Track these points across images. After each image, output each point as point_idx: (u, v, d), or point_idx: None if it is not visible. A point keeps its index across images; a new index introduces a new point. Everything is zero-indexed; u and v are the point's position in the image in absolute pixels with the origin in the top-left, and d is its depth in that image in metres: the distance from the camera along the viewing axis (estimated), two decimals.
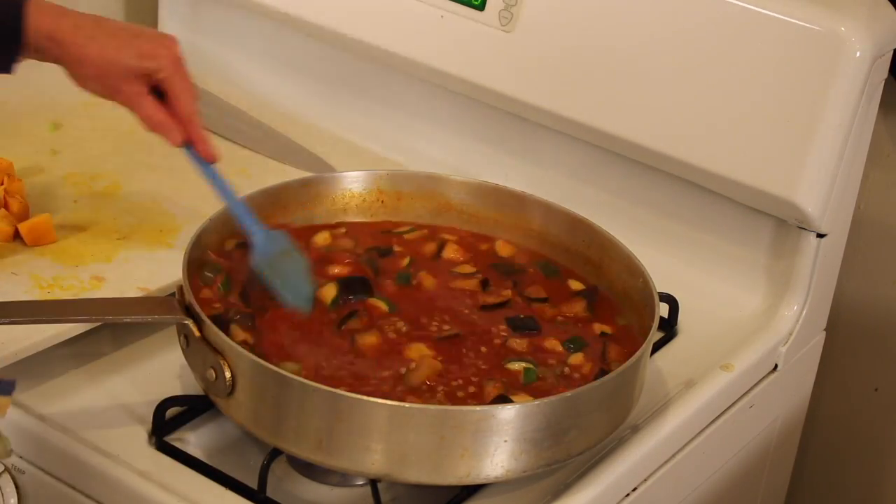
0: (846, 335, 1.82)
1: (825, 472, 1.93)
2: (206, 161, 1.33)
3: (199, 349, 1.24)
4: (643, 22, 1.53)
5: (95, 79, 1.30)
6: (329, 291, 1.35)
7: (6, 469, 1.32)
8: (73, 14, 1.30)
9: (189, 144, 1.33)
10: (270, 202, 1.44)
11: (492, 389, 1.25)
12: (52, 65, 1.80)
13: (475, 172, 1.55)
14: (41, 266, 1.42)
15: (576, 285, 1.42)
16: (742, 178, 1.49)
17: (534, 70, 1.60)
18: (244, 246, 1.37)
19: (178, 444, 1.28)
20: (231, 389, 1.22)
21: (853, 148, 1.49)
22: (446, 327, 1.33)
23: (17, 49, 1.27)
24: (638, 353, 1.27)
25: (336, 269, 1.39)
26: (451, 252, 1.45)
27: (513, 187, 1.50)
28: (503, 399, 1.23)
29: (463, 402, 1.24)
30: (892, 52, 1.50)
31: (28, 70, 1.79)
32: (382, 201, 1.50)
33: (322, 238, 1.45)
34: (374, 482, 1.23)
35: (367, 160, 1.68)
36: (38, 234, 1.45)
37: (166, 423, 1.29)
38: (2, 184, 1.50)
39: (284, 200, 1.45)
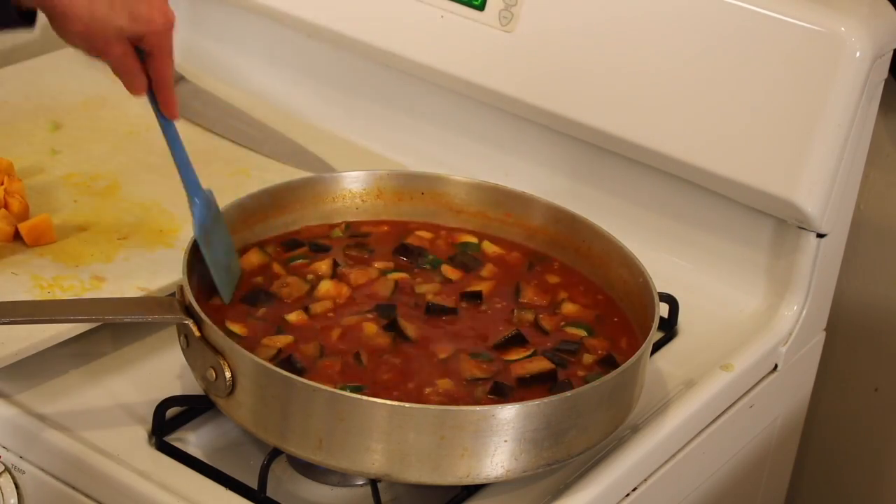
0: (846, 335, 1.82)
1: (825, 472, 1.93)
2: (165, 117, 1.31)
3: (199, 349, 1.24)
4: (643, 22, 1.53)
5: (81, 35, 1.22)
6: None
7: (6, 469, 1.32)
8: None
9: (154, 99, 1.30)
10: (270, 202, 1.44)
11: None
12: (54, 65, 1.82)
13: (475, 172, 1.55)
14: (41, 266, 1.42)
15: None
16: (742, 178, 1.49)
17: (534, 70, 1.60)
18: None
19: (178, 444, 1.28)
20: (231, 389, 1.22)
21: (853, 148, 1.49)
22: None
23: None
24: (638, 353, 1.27)
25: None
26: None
27: (513, 187, 1.50)
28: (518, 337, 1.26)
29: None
30: (892, 52, 1.50)
31: (27, 70, 1.81)
32: (383, 201, 1.50)
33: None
34: (374, 482, 1.23)
35: (367, 160, 1.68)
36: (38, 234, 1.45)
37: (166, 423, 1.29)
38: (2, 184, 1.50)
39: (284, 200, 1.45)
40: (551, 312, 1.39)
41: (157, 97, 1.30)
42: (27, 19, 1.24)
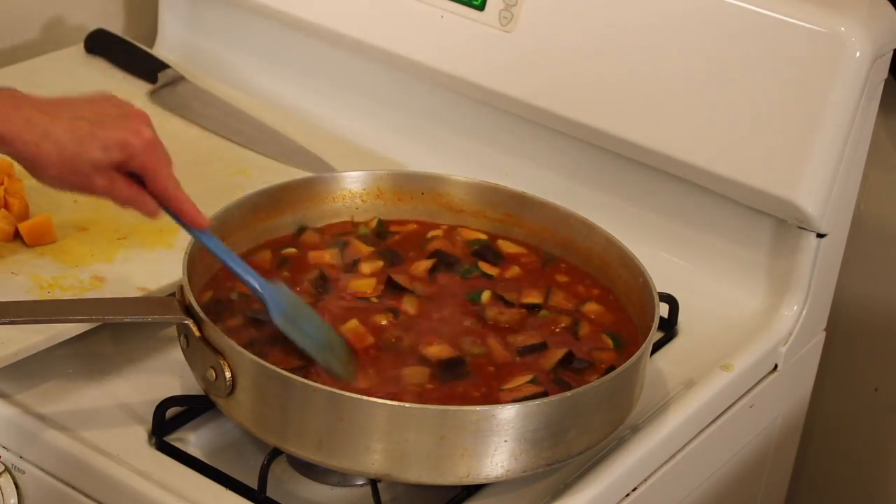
0: (846, 335, 1.82)
1: (825, 472, 1.93)
2: (193, 228, 1.26)
3: (199, 349, 1.24)
4: (643, 22, 1.53)
5: (58, 178, 1.18)
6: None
7: (6, 469, 1.32)
8: (26, 104, 1.18)
9: (175, 216, 1.25)
10: (270, 202, 1.44)
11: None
12: (54, 65, 1.82)
13: (475, 172, 1.55)
14: (41, 266, 1.42)
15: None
16: (742, 178, 1.49)
17: (534, 70, 1.60)
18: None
19: (178, 444, 1.28)
20: (231, 389, 1.22)
21: (853, 148, 1.49)
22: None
23: None
24: (638, 353, 1.27)
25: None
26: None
27: (513, 187, 1.50)
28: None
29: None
30: (892, 52, 1.50)
31: (27, 70, 1.81)
32: (383, 201, 1.50)
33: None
34: (374, 482, 1.23)
35: (367, 160, 1.68)
36: (38, 234, 1.45)
37: (166, 423, 1.29)
38: (2, 184, 1.50)
39: (284, 200, 1.45)
40: (579, 315, 1.38)
41: (173, 212, 1.25)
42: None
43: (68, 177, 1.19)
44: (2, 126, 1.16)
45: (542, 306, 1.38)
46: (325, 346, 1.27)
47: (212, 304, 1.33)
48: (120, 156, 1.20)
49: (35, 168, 1.19)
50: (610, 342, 1.34)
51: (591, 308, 1.39)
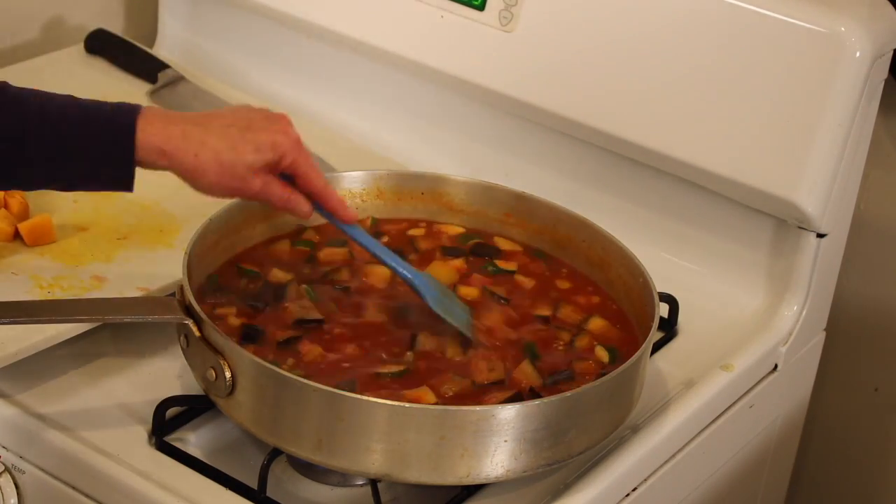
0: (846, 335, 1.82)
1: (825, 472, 1.93)
2: (345, 223, 1.32)
3: (199, 349, 1.24)
4: (643, 22, 1.53)
5: (216, 184, 1.24)
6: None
7: (6, 469, 1.32)
8: (180, 120, 1.24)
9: (326, 213, 1.32)
10: None
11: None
12: (54, 65, 1.82)
13: (475, 172, 1.55)
14: (41, 266, 1.42)
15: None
16: (742, 178, 1.49)
17: (534, 70, 1.60)
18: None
19: (178, 444, 1.28)
20: (231, 389, 1.22)
21: (853, 148, 1.49)
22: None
23: (130, 166, 1.21)
24: (638, 353, 1.27)
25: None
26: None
27: (513, 187, 1.50)
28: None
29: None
30: (892, 52, 1.50)
31: (27, 70, 1.81)
32: (383, 201, 1.50)
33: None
34: (374, 482, 1.23)
35: (367, 160, 1.68)
36: (38, 234, 1.45)
37: (166, 423, 1.29)
38: None
39: None
40: (580, 330, 1.38)
41: (324, 208, 1.31)
42: (128, 181, 1.24)
43: (226, 182, 1.24)
44: (160, 140, 1.21)
45: (550, 319, 1.38)
46: (467, 323, 1.33)
47: (207, 290, 1.34)
48: (272, 156, 1.25)
49: (195, 177, 1.24)
50: (606, 355, 1.34)
51: (596, 324, 1.38)
